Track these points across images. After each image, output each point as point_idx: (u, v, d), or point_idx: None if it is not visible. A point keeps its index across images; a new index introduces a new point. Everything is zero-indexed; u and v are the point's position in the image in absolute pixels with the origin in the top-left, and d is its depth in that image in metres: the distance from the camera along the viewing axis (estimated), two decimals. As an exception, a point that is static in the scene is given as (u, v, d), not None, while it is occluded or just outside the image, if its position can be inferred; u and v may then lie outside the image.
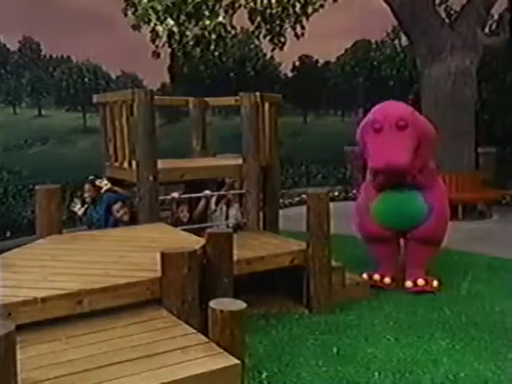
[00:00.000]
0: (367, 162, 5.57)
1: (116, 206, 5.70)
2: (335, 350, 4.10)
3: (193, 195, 6.24)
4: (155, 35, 11.46)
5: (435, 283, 5.52)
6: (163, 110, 43.06)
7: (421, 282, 5.49)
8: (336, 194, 11.89)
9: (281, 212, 6.91)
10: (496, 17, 15.92)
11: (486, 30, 13.71)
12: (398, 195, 5.54)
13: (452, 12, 14.75)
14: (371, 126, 5.17)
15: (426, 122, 5.55)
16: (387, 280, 5.65)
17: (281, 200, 10.70)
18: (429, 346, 4.16)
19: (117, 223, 5.68)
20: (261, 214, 6.24)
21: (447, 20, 12.58)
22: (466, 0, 10.86)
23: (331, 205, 5.13)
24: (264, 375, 3.68)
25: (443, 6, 15.13)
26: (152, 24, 11.16)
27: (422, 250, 5.59)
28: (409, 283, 5.53)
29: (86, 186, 6.20)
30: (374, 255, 5.85)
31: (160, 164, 5.54)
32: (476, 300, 5.22)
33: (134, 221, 5.63)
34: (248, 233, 5.86)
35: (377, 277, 5.67)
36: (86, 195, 6.23)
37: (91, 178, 6.25)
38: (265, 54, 44.33)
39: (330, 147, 18.59)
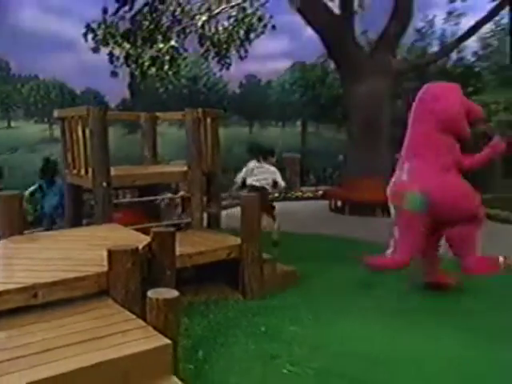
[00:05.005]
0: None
1: None
2: (263, 329, 4.21)
3: (144, 199, 6.28)
4: (113, 57, 11.31)
5: None
6: (125, 122, 42.34)
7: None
8: (276, 195, 12.10)
9: (226, 212, 6.94)
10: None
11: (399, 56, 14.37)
12: None
13: (371, 41, 15.34)
14: None
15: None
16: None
17: (228, 201, 10.83)
18: (344, 323, 4.34)
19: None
20: (205, 215, 6.32)
21: (368, 47, 13.09)
22: (381, 32, 11.33)
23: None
24: (200, 354, 3.74)
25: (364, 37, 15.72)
26: (110, 47, 11.03)
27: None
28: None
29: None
30: None
31: (113, 171, 5.51)
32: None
33: None
34: (192, 231, 5.91)
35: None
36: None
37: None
38: (215, 74, 44.36)
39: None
